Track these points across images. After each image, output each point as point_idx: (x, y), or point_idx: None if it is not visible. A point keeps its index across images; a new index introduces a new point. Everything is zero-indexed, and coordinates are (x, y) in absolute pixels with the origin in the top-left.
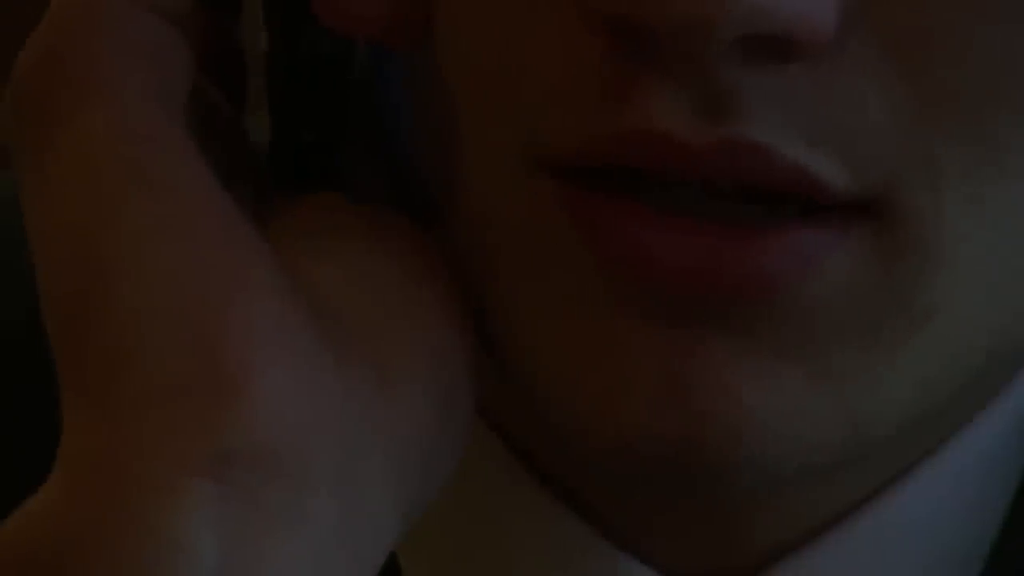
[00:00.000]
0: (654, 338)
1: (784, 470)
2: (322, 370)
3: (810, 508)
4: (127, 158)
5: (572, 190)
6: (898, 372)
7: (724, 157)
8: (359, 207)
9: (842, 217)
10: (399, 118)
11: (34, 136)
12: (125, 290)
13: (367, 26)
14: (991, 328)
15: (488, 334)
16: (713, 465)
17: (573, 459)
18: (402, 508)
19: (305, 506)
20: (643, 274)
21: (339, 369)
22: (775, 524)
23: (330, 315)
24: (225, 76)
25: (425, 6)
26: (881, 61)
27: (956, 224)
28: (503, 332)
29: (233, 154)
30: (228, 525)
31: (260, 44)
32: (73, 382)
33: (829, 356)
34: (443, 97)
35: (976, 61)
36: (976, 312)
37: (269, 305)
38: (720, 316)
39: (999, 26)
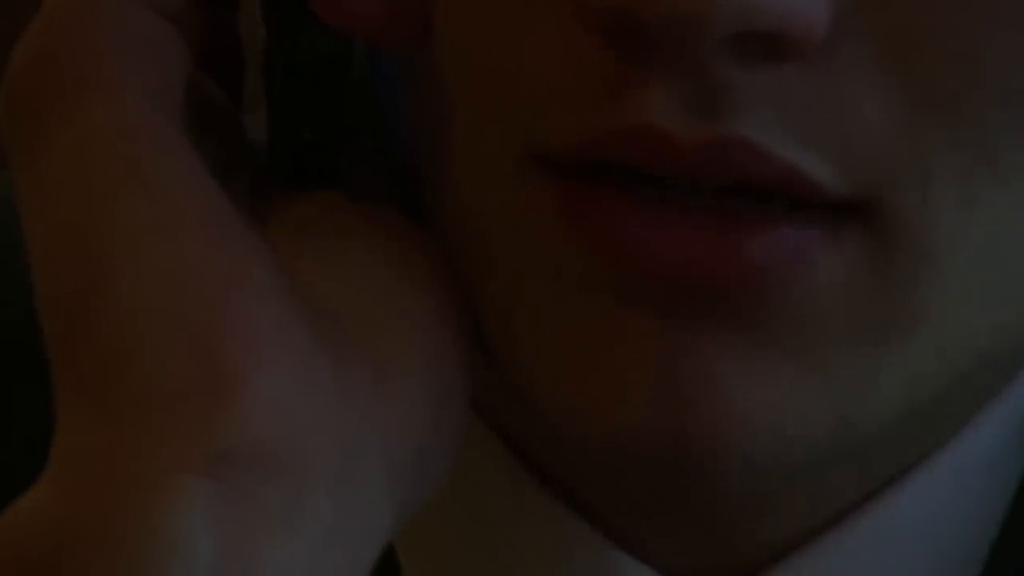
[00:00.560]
0: (646, 331)
1: (772, 465)
2: (319, 369)
3: (809, 508)
4: (123, 157)
5: (565, 184)
6: (888, 370)
7: (716, 154)
8: (357, 205)
9: (833, 216)
10: (398, 117)
11: (29, 134)
12: (122, 290)
13: (363, 22)
14: (983, 329)
15: (484, 332)
16: (700, 458)
17: (571, 457)
18: (396, 506)
19: (302, 505)
20: (634, 268)
21: (336, 368)
22: (774, 524)
23: (327, 314)
24: (223, 72)
25: (422, 4)
26: (875, 62)
27: (948, 226)
28: (499, 330)
29: (231, 150)
30: (225, 524)
31: (259, 41)
32: (69, 381)
33: (818, 351)
34: (439, 95)
35: (970, 63)
36: (968, 313)
37: (266, 304)
38: (711, 309)
39: (993, 28)
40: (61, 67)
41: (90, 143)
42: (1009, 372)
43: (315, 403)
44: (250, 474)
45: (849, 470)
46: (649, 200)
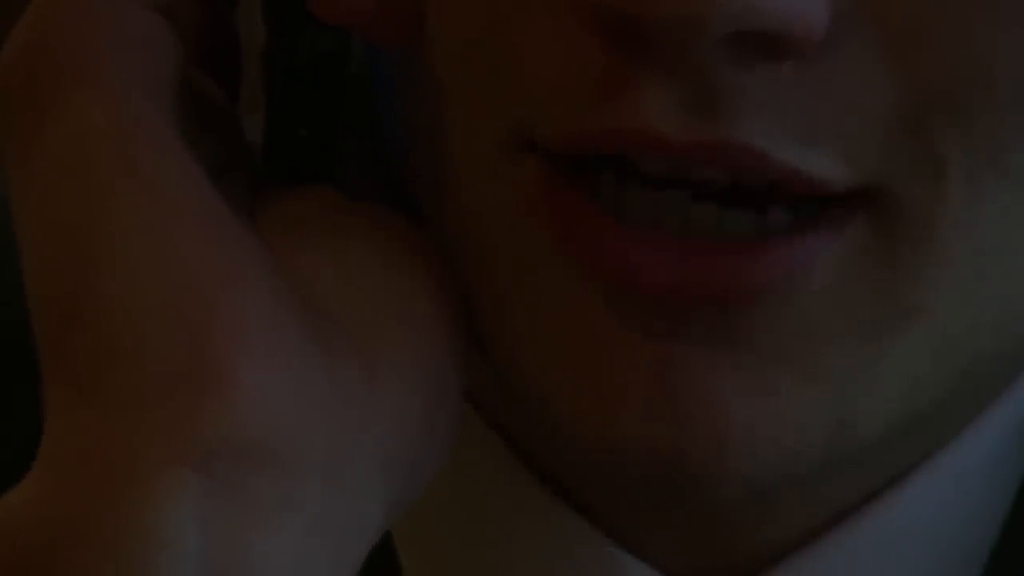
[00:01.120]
0: (640, 347)
1: (770, 477)
2: (310, 364)
3: (809, 509)
4: (116, 152)
5: (555, 181)
6: (887, 370)
7: (714, 156)
8: (352, 203)
9: (836, 215)
10: (395, 115)
11: (20, 130)
12: (113, 285)
13: (358, 18)
14: (982, 329)
15: (480, 331)
16: (697, 475)
17: (571, 458)
18: (388, 502)
19: (291, 499)
20: (627, 289)
21: (327, 363)
22: (774, 525)
23: (321, 311)
24: (221, 70)
25: (416, 1)
26: (875, 60)
27: (953, 219)
28: (494, 331)
29: (228, 147)
30: (214, 518)
31: (257, 38)
32: (59, 377)
33: (818, 358)
34: (433, 92)
35: (971, 58)
36: (967, 311)
37: (257, 299)
38: (706, 325)
39: (994, 23)
40: (52, 62)
41: (83, 139)
42: (1009, 374)
43: (306, 398)
44: (240, 468)
45: (849, 472)
46: (642, 220)
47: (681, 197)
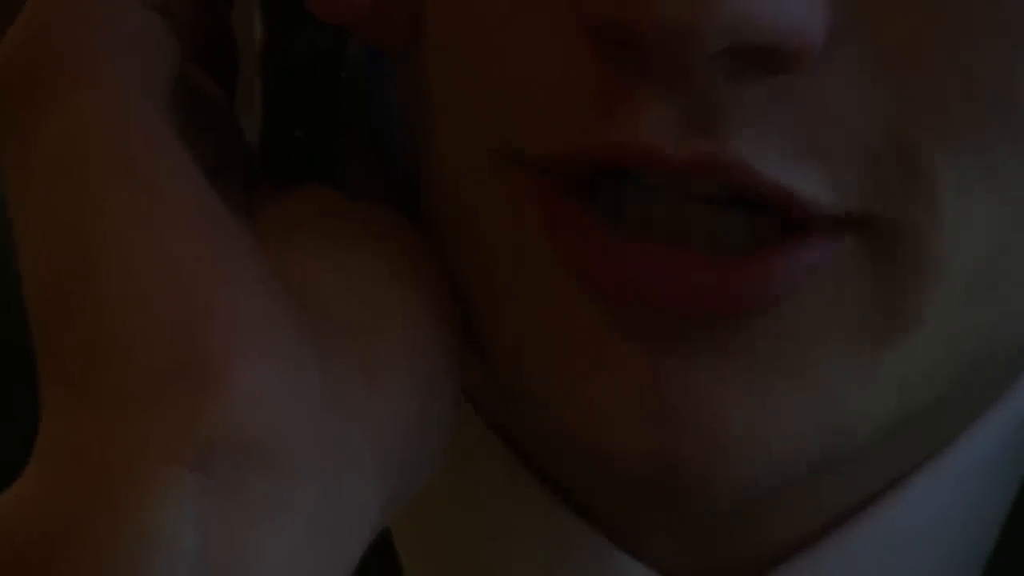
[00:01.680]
0: (636, 356)
1: (764, 484)
2: (306, 363)
3: (809, 512)
4: (111, 151)
5: (550, 190)
6: (883, 376)
7: (706, 172)
8: (349, 203)
9: (828, 233)
10: (393, 115)
11: (17, 127)
12: (108, 282)
13: (355, 17)
14: (978, 335)
15: (476, 332)
16: (693, 482)
17: (569, 459)
18: (383, 499)
19: (287, 496)
20: (621, 299)
21: (323, 362)
22: (773, 527)
23: (315, 307)
24: (217, 67)
25: (413, 4)
26: (868, 74)
27: (945, 235)
28: (489, 334)
29: (224, 145)
30: (210, 516)
31: (253, 36)
32: (54, 374)
33: (813, 366)
34: (429, 96)
35: (964, 72)
36: (963, 320)
37: (253, 298)
38: (703, 334)
39: (988, 37)
40: (50, 59)
41: (79, 136)
42: (1008, 376)
43: (301, 396)
44: (235, 466)
45: (847, 475)
46: (641, 225)
47: (675, 199)
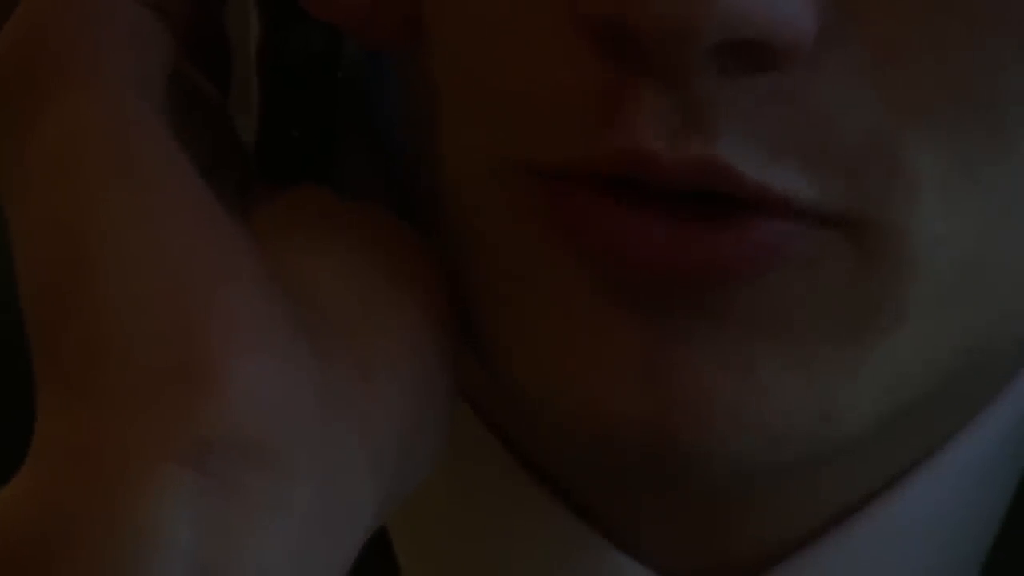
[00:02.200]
0: (630, 326)
1: (757, 460)
2: (302, 362)
3: (805, 510)
4: (107, 150)
5: (549, 186)
6: (871, 368)
7: (697, 175)
8: (345, 203)
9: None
10: (391, 116)
11: (12, 127)
12: (104, 280)
13: (350, 16)
14: (965, 330)
15: (473, 328)
16: (684, 451)
17: (566, 455)
18: (379, 498)
19: (284, 495)
20: (615, 263)
21: (319, 360)
22: (771, 525)
23: (311, 307)
24: (211, 65)
25: (412, 6)
26: (856, 72)
27: (931, 236)
28: (487, 326)
29: (219, 144)
30: (207, 515)
31: (248, 35)
32: (50, 373)
33: (801, 347)
34: (428, 97)
35: (950, 72)
36: (949, 314)
37: (250, 297)
38: (693, 302)
39: (974, 37)
40: (44, 58)
41: (74, 136)
42: (1006, 373)
43: (298, 394)
44: (232, 465)
45: (842, 471)
46: (629, 200)
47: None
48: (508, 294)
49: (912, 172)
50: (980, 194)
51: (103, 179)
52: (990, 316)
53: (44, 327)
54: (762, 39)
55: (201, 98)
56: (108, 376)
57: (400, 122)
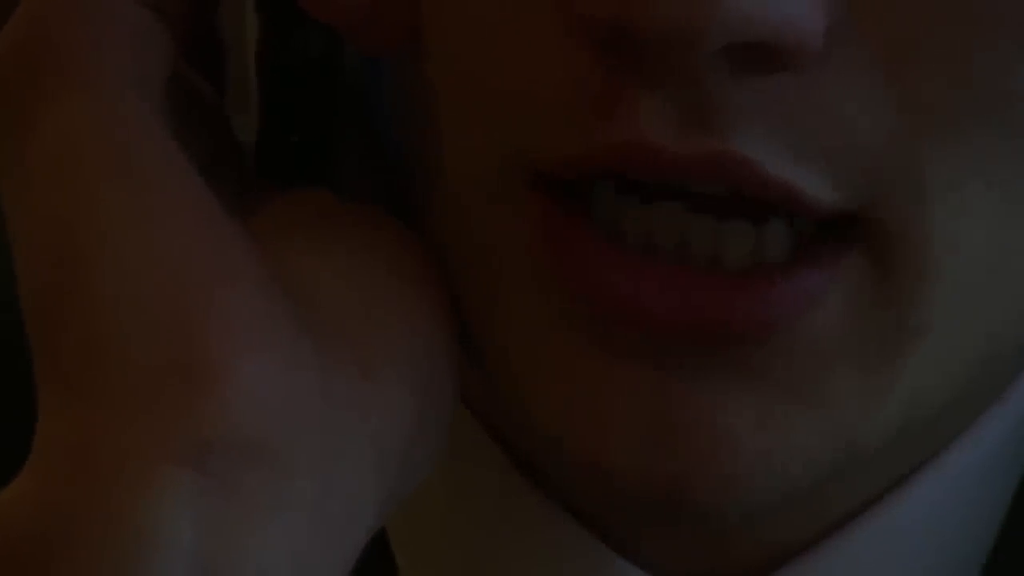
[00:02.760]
0: (641, 379)
1: (773, 499)
2: (301, 359)
3: (812, 517)
4: (105, 150)
5: (554, 210)
6: (892, 389)
7: (710, 169)
8: (344, 204)
9: (833, 249)
10: (389, 120)
11: (11, 126)
12: (103, 280)
13: (349, 18)
14: (984, 336)
15: (471, 336)
16: (701, 504)
17: (566, 465)
18: (380, 498)
19: (284, 494)
20: (623, 321)
21: (320, 360)
22: (773, 533)
23: (311, 307)
24: (207, 66)
25: (410, 11)
26: (867, 72)
27: (944, 238)
28: (486, 340)
29: (217, 145)
30: (208, 515)
31: (240, 37)
32: (50, 373)
33: (824, 384)
34: (427, 102)
35: (962, 71)
36: (966, 322)
37: (250, 296)
38: (709, 357)
39: (985, 36)
40: (44, 59)
41: (73, 136)
42: (1008, 376)
43: (298, 393)
44: (233, 464)
45: (851, 481)
46: (639, 240)
47: (677, 210)
48: (506, 316)
49: (924, 174)
50: (993, 197)
51: (103, 179)
52: (1003, 321)
53: (44, 327)
54: (770, 40)
55: (199, 99)
56: (108, 376)
57: (398, 126)
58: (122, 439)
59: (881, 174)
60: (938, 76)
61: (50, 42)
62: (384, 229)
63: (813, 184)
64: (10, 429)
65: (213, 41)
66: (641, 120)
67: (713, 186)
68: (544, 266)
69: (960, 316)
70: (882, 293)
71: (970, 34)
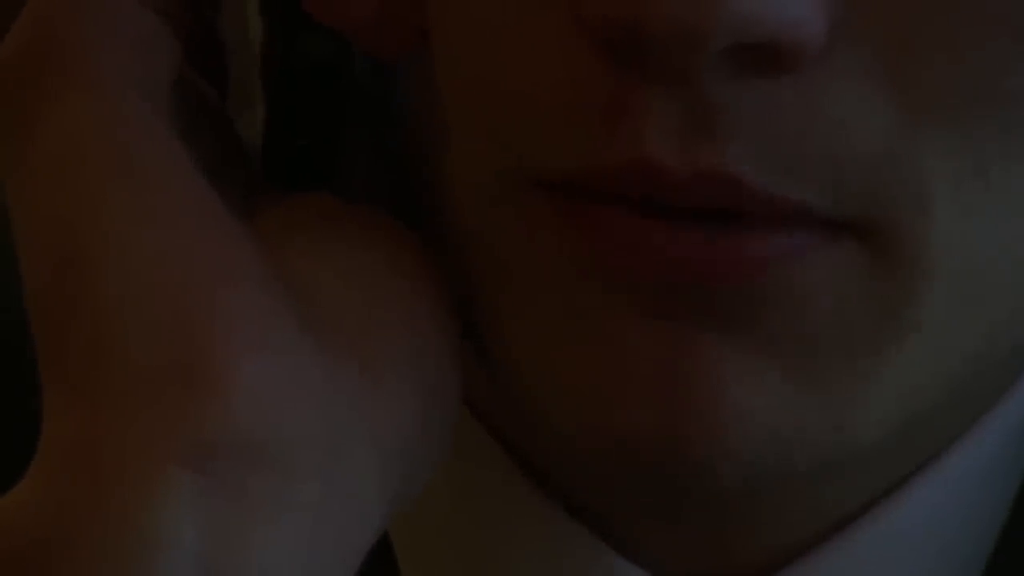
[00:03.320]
0: (646, 332)
1: (767, 470)
2: (305, 360)
3: (808, 517)
4: (109, 151)
5: (563, 200)
6: (885, 379)
7: (706, 186)
8: (349, 206)
9: (831, 230)
10: (397, 122)
11: (16, 127)
12: (106, 281)
13: (355, 23)
14: (978, 337)
15: (479, 334)
16: (693, 459)
17: (569, 461)
18: (385, 500)
19: (288, 496)
20: (632, 264)
21: (324, 362)
22: (773, 532)
23: (315, 307)
24: (213, 69)
25: (418, 15)
26: (865, 74)
27: (944, 239)
28: (493, 334)
29: (222, 148)
30: (211, 516)
31: (243, 38)
32: (54, 374)
33: (816, 356)
34: (435, 107)
35: (961, 72)
36: (964, 321)
37: (253, 296)
38: (709, 307)
39: (983, 37)
40: (49, 60)
41: (76, 137)
42: (1008, 378)
43: (302, 395)
44: (236, 466)
45: (848, 480)
46: (647, 211)
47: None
48: (513, 301)
49: (924, 176)
50: (993, 197)
51: (106, 179)
52: (1000, 320)
53: (48, 327)
54: (772, 41)
55: (204, 101)
56: (111, 376)
57: (405, 132)
58: (125, 440)
59: (880, 176)
60: (936, 78)
61: (54, 43)
62: (388, 230)
63: (809, 196)
64: (12, 430)
65: (214, 42)
66: (645, 133)
67: (711, 203)
68: (549, 225)
69: (956, 315)
70: (877, 285)
71: (967, 35)
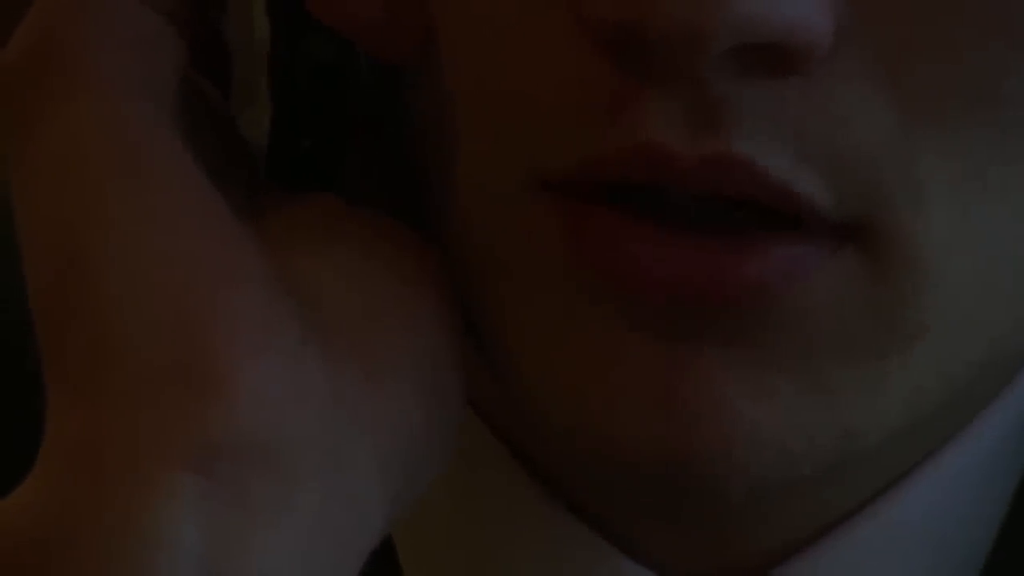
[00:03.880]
0: (646, 350)
1: (775, 480)
2: (309, 364)
3: (809, 513)
4: (112, 152)
5: (566, 205)
6: (889, 385)
7: (714, 171)
8: (352, 209)
9: (832, 237)
10: (403, 125)
11: (20, 129)
12: (110, 281)
13: (361, 25)
14: (982, 338)
15: (483, 340)
16: (702, 476)
17: (569, 461)
18: (388, 502)
19: (291, 498)
20: (633, 286)
21: (326, 364)
22: (774, 530)
23: (318, 309)
24: (217, 70)
25: (423, 17)
26: (869, 76)
27: (943, 241)
28: (497, 340)
29: (225, 149)
30: (213, 518)
31: (248, 38)
32: (57, 375)
33: (820, 369)
34: (440, 108)
35: (959, 76)
36: (966, 325)
37: (255, 298)
38: (712, 326)
39: (986, 40)
40: (54, 62)
41: (79, 137)
42: (1007, 375)
43: (305, 398)
44: (238, 468)
45: (850, 478)
46: (649, 220)
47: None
48: (518, 310)
49: (922, 176)
50: (991, 199)
51: (108, 179)
52: (1003, 321)
53: (51, 328)
54: (781, 41)
55: (207, 102)
56: (113, 377)
57: (409, 133)
58: (128, 442)
59: (880, 176)
60: (937, 80)
61: (57, 44)
62: (392, 232)
63: (813, 189)
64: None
65: (217, 43)
66: (649, 122)
67: (716, 190)
68: (558, 242)
69: (958, 319)
70: (878, 290)
71: (968, 37)
